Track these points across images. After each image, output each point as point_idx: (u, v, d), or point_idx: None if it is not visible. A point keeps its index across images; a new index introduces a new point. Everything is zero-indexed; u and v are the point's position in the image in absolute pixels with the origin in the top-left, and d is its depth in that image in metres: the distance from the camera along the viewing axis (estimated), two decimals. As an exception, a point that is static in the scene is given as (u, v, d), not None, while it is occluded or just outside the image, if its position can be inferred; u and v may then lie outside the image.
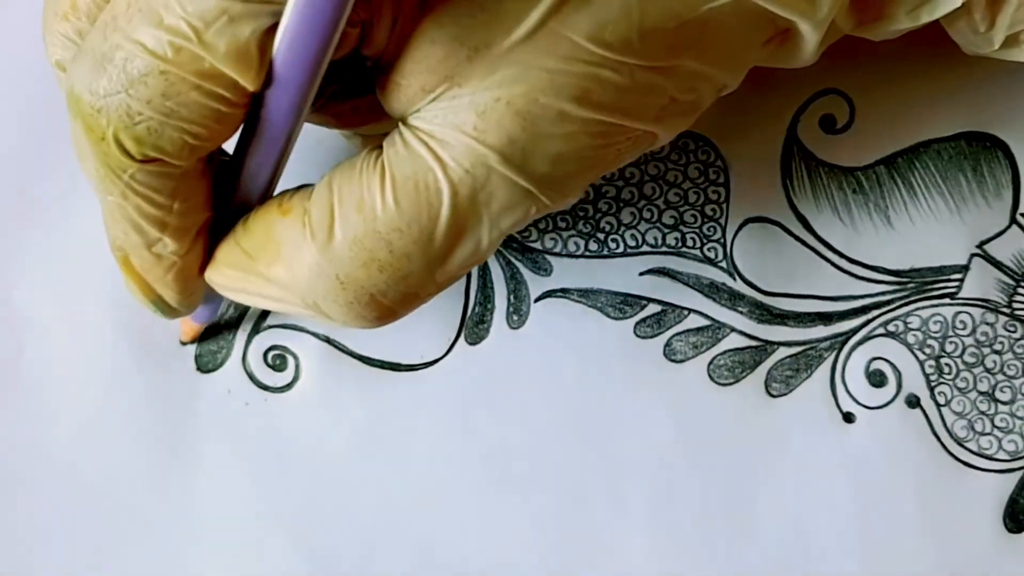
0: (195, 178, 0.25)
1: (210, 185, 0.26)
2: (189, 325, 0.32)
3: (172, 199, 0.25)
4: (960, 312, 0.33)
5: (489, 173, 0.24)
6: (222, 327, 0.33)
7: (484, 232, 0.25)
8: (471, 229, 0.25)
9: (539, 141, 0.24)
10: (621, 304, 0.33)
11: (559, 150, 0.24)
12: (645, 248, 0.33)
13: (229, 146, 0.26)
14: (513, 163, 0.24)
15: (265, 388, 0.33)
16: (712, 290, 0.33)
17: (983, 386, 0.33)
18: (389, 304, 0.26)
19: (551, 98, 0.24)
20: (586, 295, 0.33)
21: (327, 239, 0.25)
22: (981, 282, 0.33)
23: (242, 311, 0.33)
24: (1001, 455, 0.33)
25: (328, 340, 0.33)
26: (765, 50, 0.26)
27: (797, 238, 0.33)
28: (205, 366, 0.33)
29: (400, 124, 0.25)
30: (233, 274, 0.27)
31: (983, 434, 0.33)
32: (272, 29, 0.23)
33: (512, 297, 0.33)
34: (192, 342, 0.33)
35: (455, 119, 0.24)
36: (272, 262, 0.26)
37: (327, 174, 0.26)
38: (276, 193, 0.27)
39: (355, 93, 0.27)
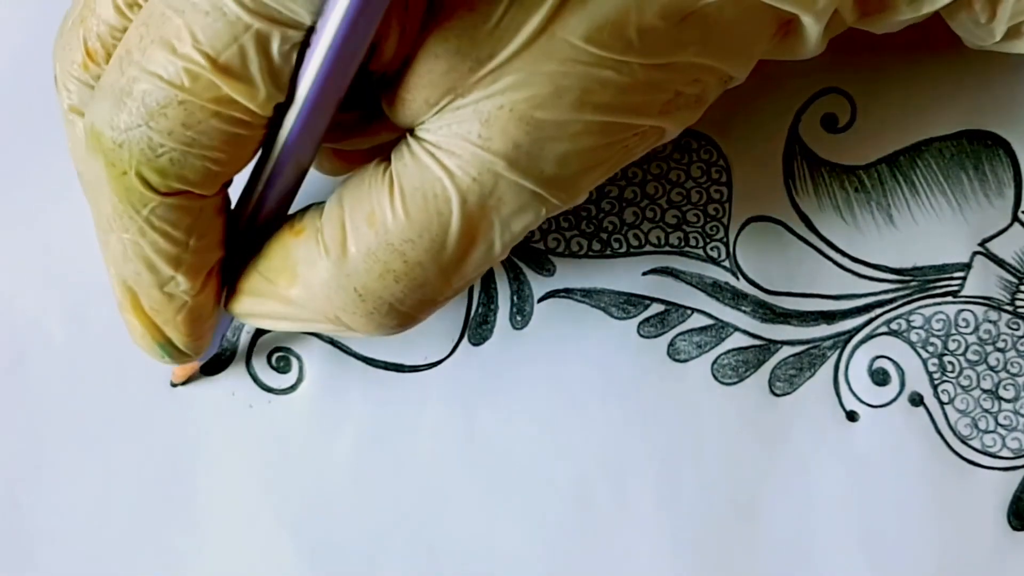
0: (214, 213, 0.26)
1: (225, 223, 0.26)
2: (184, 366, 0.32)
3: (189, 235, 0.25)
4: (963, 310, 0.33)
5: (496, 179, 0.24)
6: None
7: (496, 237, 0.25)
8: (483, 235, 0.25)
9: (544, 144, 0.24)
10: (624, 304, 0.33)
11: (565, 151, 0.24)
12: (648, 248, 0.33)
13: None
14: (519, 168, 0.24)
15: (269, 390, 0.33)
16: (715, 289, 0.33)
17: (986, 384, 0.33)
18: (408, 311, 0.26)
19: (554, 102, 0.24)
20: (589, 295, 0.33)
21: (341, 254, 0.25)
22: (983, 280, 0.33)
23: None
24: (1005, 453, 0.33)
25: (332, 342, 0.33)
26: (771, 43, 0.26)
27: (800, 237, 0.33)
28: (209, 368, 0.33)
29: (407, 136, 0.25)
30: (255, 301, 0.27)
31: (987, 432, 0.33)
32: (289, 53, 0.23)
33: (515, 297, 0.33)
34: (184, 383, 0.33)
35: (460, 129, 0.24)
36: (291, 284, 0.26)
37: (336, 190, 0.26)
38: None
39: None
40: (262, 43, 0.23)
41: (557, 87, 0.24)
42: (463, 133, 0.24)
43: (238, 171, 0.25)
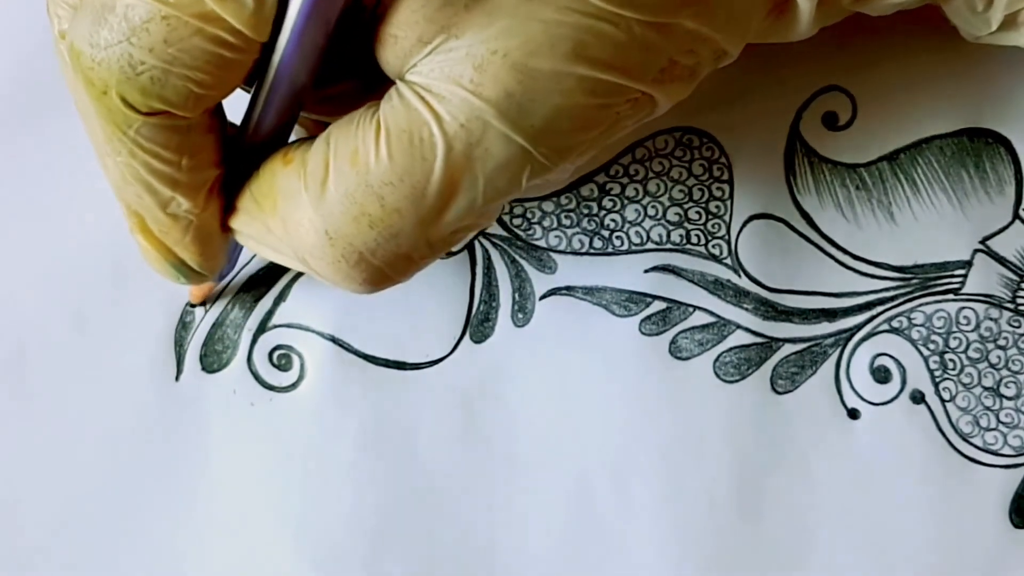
0: (202, 132, 0.25)
1: (219, 139, 0.26)
2: (200, 284, 0.32)
3: (180, 154, 0.25)
4: (964, 308, 0.33)
5: (485, 128, 0.24)
6: (227, 326, 0.33)
7: (479, 191, 0.25)
8: (465, 187, 0.24)
9: (536, 96, 0.24)
10: (626, 301, 0.33)
11: (556, 105, 0.24)
12: (650, 245, 0.33)
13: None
14: (509, 118, 0.24)
15: (270, 388, 0.33)
16: (717, 287, 0.33)
17: (988, 381, 0.33)
18: (379, 264, 0.25)
19: (548, 51, 0.23)
20: (591, 293, 0.33)
21: (320, 192, 0.25)
22: (984, 278, 0.33)
23: (247, 310, 0.33)
24: (1006, 450, 0.33)
25: (333, 339, 0.33)
26: (765, 21, 0.26)
27: (801, 234, 0.33)
28: (210, 366, 0.33)
29: (397, 81, 0.25)
30: (246, 220, 0.27)
31: (988, 429, 0.33)
32: None
33: (517, 295, 0.33)
34: (202, 304, 0.33)
35: (451, 72, 0.24)
36: (272, 211, 0.26)
37: (327, 128, 0.26)
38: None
39: (331, 81, 0.27)
40: None
41: (552, 35, 0.23)
42: (455, 76, 0.24)
43: (223, 96, 0.25)
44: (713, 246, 0.33)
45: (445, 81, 0.24)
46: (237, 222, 0.27)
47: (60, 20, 0.26)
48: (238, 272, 0.33)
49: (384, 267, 0.25)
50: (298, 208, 0.25)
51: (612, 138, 0.26)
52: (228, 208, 0.27)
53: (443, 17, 0.23)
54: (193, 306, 0.33)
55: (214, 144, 0.26)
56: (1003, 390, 0.33)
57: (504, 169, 0.24)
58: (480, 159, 0.24)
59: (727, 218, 0.33)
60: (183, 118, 0.24)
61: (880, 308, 0.33)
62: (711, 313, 0.33)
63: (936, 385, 0.33)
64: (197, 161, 0.25)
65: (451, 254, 0.33)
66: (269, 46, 0.24)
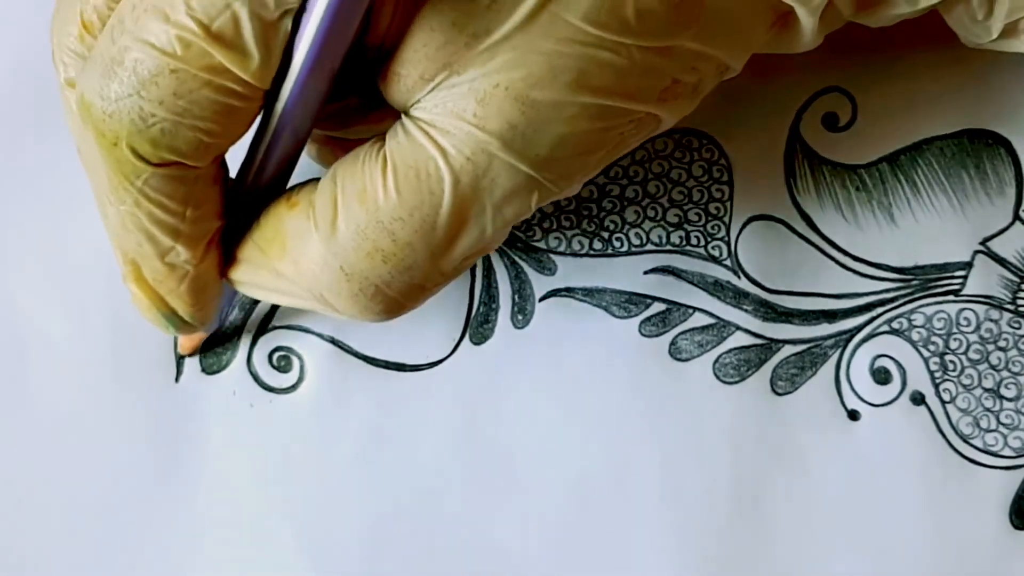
0: (209, 183, 0.25)
1: (223, 192, 0.26)
2: (189, 335, 0.32)
3: (185, 205, 0.25)
4: (964, 309, 0.33)
5: (491, 160, 0.24)
6: (222, 335, 0.33)
7: (487, 220, 0.25)
8: (474, 217, 0.25)
9: (540, 126, 0.24)
10: (626, 303, 0.33)
11: (560, 134, 0.24)
12: (649, 247, 0.33)
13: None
14: (514, 149, 0.24)
15: (270, 389, 0.33)
16: (717, 288, 0.33)
17: (988, 383, 0.33)
18: (395, 296, 0.26)
19: (550, 82, 0.24)
20: (591, 294, 0.33)
21: (331, 231, 0.25)
22: (985, 279, 0.33)
23: (247, 312, 0.33)
24: (1007, 452, 0.33)
25: (333, 341, 0.33)
26: (768, 35, 0.26)
27: (801, 236, 0.33)
28: (210, 368, 0.33)
29: (402, 116, 0.25)
30: (250, 270, 0.27)
31: (988, 431, 0.33)
32: (281, 20, 0.23)
33: (516, 296, 0.33)
34: (192, 354, 0.33)
35: (455, 107, 0.24)
36: (281, 256, 0.26)
37: (332, 167, 0.26)
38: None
39: (334, 98, 0.28)
40: (255, 10, 0.23)
41: (554, 67, 0.24)
42: (458, 111, 0.24)
43: (231, 144, 0.25)
44: (713, 247, 0.33)
45: (449, 116, 0.24)
46: (239, 273, 0.27)
47: (66, 68, 0.26)
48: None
49: (399, 297, 0.26)
50: (309, 248, 0.25)
51: (617, 156, 0.26)
52: (227, 260, 0.27)
53: (444, 55, 0.24)
54: (182, 357, 0.33)
55: (218, 196, 0.26)
56: (1003, 391, 0.33)
57: (512, 198, 0.25)
58: (487, 189, 0.24)
59: (727, 219, 0.33)
60: (192, 168, 0.25)
61: (880, 309, 0.33)
62: (711, 314, 0.33)
63: (936, 386, 0.33)
64: (202, 212, 0.26)
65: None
66: (272, 92, 0.24)
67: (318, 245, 0.25)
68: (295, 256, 0.26)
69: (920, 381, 0.33)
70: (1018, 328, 0.33)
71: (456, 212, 0.24)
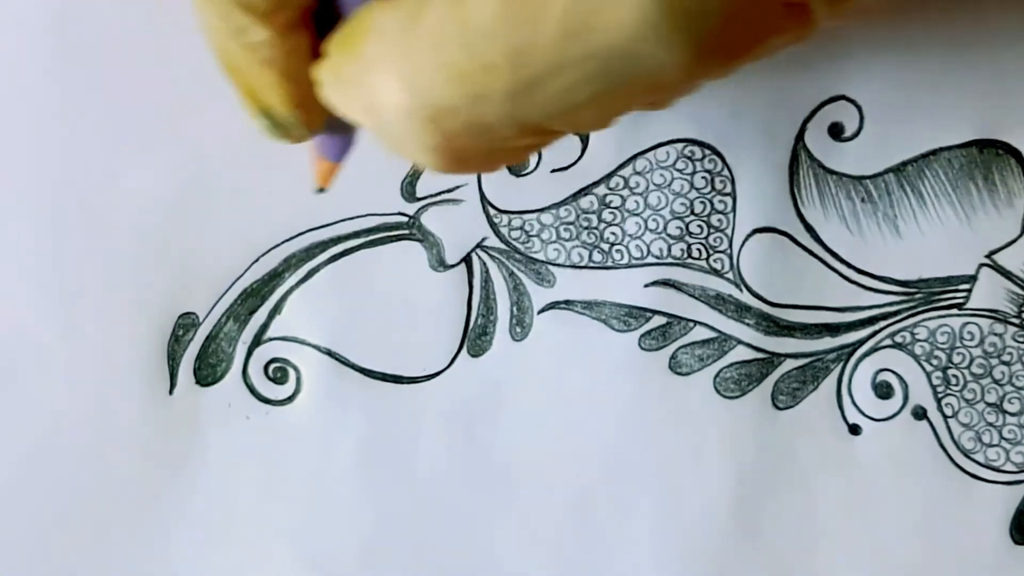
0: None
1: None
2: (322, 164, 0.27)
3: None
4: (968, 323, 0.33)
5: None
6: (216, 346, 0.32)
7: (588, 72, 0.20)
8: (574, 61, 0.20)
9: None
10: (626, 316, 0.33)
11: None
12: (650, 259, 0.33)
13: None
14: None
15: (266, 401, 0.33)
16: (718, 302, 0.33)
17: (991, 397, 0.33)
18: (457, 128, 0.21)
19: None
20: (590, 307, 0.33)
21: (410, 28, 0.21)
22: (990, 292, 0.32)
23: (242, 322, 0.33)
24: (1008, 467, 0.32)
25: (330, 352, 0.33)
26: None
27: (805, 248, 0.33)
28: (205, 379, 0.33)
29: None
30: (327, 66, 0.23)
31: (990, 446, 0.32)
32: None
33: (515, 309, 0.33)
34: (325, 188, 0.28)
35: None
36: (354, 54, 0.22)
37: None
38: None
39: None
40: None
41: None
42: None
43: None
44: (715, 260, 0.33)
45: None
46: (321, 70, 0.23)
47: None
48: (238, 278, 0.33)
49: (460, 132, 0.21)
50: (381, 48, 0.21)
51: (755, 57, 0.21)
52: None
53: None
54: (321, 190, 0.27)
55: None
56: (1006, 406, 0.33)
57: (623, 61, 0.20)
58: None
59: (729, 231, 0.33)
60: None
61: (883, 323, 0.33)
62: (712, 328, 0.33)
63: (939, 401, 0.33)
64: None
65: (448, 267, 0.33)
66: None
67: (391, 45, 0.21)
68: (366, 57, 0.22)
69: (922, 395, 0.33)
70: (1022, 342, 0.33)
71: (556, 44, 0.20)
